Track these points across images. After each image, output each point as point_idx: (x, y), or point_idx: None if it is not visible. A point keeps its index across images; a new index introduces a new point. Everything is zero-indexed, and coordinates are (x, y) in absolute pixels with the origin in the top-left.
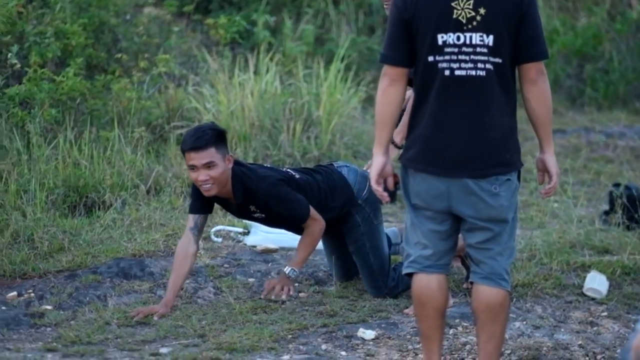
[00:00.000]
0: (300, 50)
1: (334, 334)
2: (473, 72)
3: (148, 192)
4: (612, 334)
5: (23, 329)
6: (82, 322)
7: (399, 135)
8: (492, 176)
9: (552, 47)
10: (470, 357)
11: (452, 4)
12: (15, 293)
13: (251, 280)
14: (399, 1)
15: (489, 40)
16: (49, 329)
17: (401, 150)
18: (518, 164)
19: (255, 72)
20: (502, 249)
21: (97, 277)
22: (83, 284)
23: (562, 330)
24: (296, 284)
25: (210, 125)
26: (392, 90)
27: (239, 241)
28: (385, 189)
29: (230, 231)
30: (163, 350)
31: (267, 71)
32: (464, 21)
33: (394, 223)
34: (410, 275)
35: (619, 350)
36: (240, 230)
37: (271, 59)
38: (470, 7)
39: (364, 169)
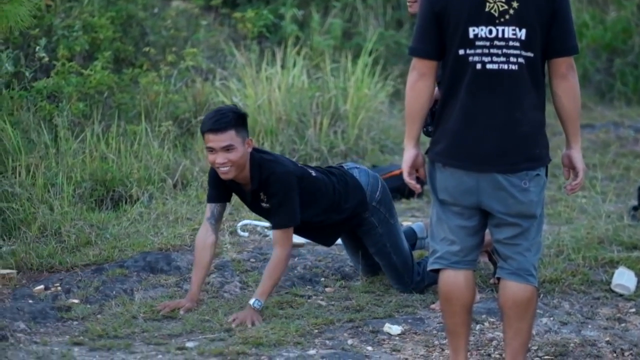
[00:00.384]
0: (327, 44)
1: (360, 329)
2: (505, 66)
3: (175, 186)
4: None
5: (50, 322)
6: (108, 316)
7: None
8: (522, 171)
9: (581, 41)
10: (496, 353)
11: None
12: (42, 286)
13: None
14: None
15: (522, 34)
16: (75, 322)
17: None
18: (547, 159)
19: (283, 66)
20: (530, 245)
21: (124, 271)
22: (110, 277)
23: (590, 326)
24: (323, 282)
25: (231, 108)
26: (421, 84)
27: (266, 235)
28: (418, 180)
29: (257, 226)
30: (189, 344)
31: (295, 65)
32: (496, 14)
33: (420, 218)
34: (436, 271)
35: None
36: (267, 224)
37: (298, 53)
38: (503, 0)
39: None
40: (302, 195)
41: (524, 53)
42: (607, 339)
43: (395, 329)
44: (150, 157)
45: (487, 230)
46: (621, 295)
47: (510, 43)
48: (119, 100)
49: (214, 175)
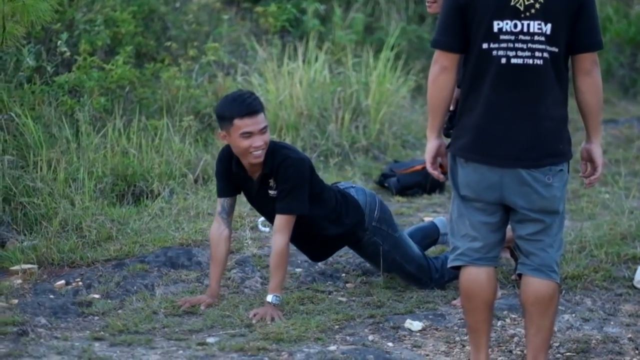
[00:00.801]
0: (349, 38)
1: (381, 325)
2: (530, 61)
3: (196, 181)
4: None
5: (71, 317)
6: (129, 311)
7: None
8: (546, 167)
9: (605, 35)
10: (518, 349)
11: None
12: (63, 282)
13: (298, 270)
14: None
15: (547, 28)
16: (96, 317)
17: None
18: (569, 155)
19: (305, 61)
20: (553, 241)
21: (145, 266)
22: (131, 273)
23: (612, 323)
24: (344, 277)
25: (249, 91)
26: (443, 77)
27: None
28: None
29: None
30: (210, 339)
31: (316, 60)
32: (522, 8)
33: (441, 213)
34: (457, 268)
35: None
36: None
37: (320, 48)
38: None
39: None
40: (310, 189)
41: (548, 48)
42: (630, 335)
43: (416, 325)
44: (171, 152)
45: (509, 227)
46: None
47: (536, 37)
48: (140, 95)
49: (222, 168)
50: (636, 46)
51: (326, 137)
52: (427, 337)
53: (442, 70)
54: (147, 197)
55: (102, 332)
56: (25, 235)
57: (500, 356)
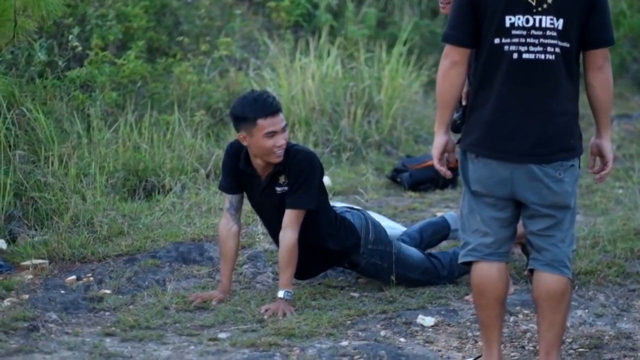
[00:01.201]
0: (362, 33)
1: (393, 321)
2: (542, 56)
3: (208, 176)
4: None
5: (82, 313)
6: (140, 307)
7: None
8: (557, 162)
9: (618, 30)
10: (530, 345)
11: None
12: (74, 277)
13: None
14: None
15: (559, 23)
16: (107, 313)
17: None
18: (580, 150)
19: (317, 56)
20: (564, 236)
21: (156, 261)
22: (142, 268)
23: (625, 319)
24: (356, 273)
25: (265, 91)
26: (454, 71)
27: None
28: (449, 165)
29: None
30: (222, 335)
31: (329, 55)
32: (534, 3)
33: (454, 208)
34: (468, 263)
35: None
36: None
37: (333, 43)
38: None
39: None
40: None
41: (560, 43)
42: None
43: (428, 321)
44: (183, 147)
45: (520, 222)
46: None
47: (548, 33)
48: (152, 90)
49: (230, 163)
50: None
51: (338, 132)
52: (440, 332)
53: (452, 65)
54: (158, 192)
55: (113, 328)
56: (36, 230)
57: (512, 352)
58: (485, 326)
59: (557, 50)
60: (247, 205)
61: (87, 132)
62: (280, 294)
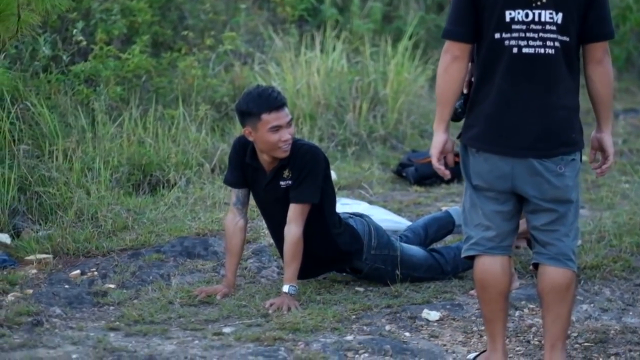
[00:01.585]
0: (367, 27)
1: (398, 315)
2: (542, 50)
3: (213, 170)
4: None
5: (86, 307)
6: (145, 301)
7: None
8: (558, 156)
9: (625, 24)
10: (536, 339)
11: None
12: (78, 271)
13: None
14: None
15: (558, 18)
16: (111, 307)
17: None
18: (581, 144)
19: (322, 50)
20: (568, 230)
21: (161, 256)
22: (146, 262)
23: (631, 313)
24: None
25: (270, 86)
26: (454, 67)
27: None
28: (446, 165)
29: None
30: (226, 329)
31: (334, 49)
32: None
33: (459, 203)
34: (471, 257)
35: None
36: None
37: (338, 37)
38: None
39: None
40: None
41: (560, 37)
42: None
43: (433, 315)
44: (187, 141)
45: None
46: None
47: (547, 27)
48: (156, 84)
49: (236, 156)
50: None
51: (344, 127)
52: (445, 327)
53: (453, 60)
54: (163, 187)
55: (117, 322)
56: (40, 224)
57: (518, 346)
58: (489, 320)
59: (557, 44)
60: (251, 200)
61: (92, 126)
62: (285, 288)
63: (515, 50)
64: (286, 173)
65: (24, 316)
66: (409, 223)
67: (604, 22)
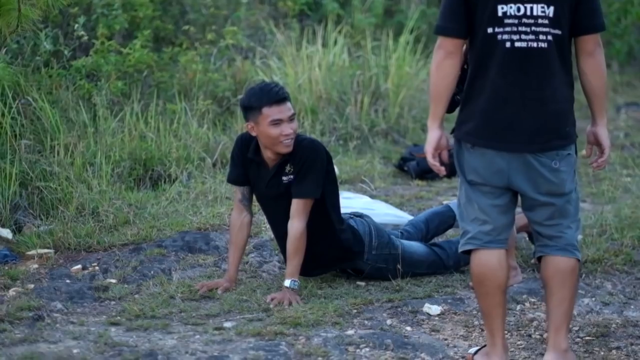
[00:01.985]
0: (369, 22)
1: (399, 309)
2: (535, 44)
3: (214, 165)
4: None
5: (87, 302)
6: (146, 296)
7: None
8: (553, 151)
9: (626, 18)
10: (537, 333)
11: None
12: (79, 266)
13: None
14: None
15: (550, 11)
16: (113, 302)
17: None
18: (575, 137)
19: (323, 45)
20: (571, 222)
21: (162, 250)
22: (148, 257)
23: (632, 307)
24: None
25: (273, 81)
26: (447, 63)
27: None
28: (441, 162)
29: None
30: (227, 324)
31: (335, 43)
32: None
33: None
34: (468, 252)
35: None
36: None
37: (339, 31)
38: None
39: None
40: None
41: (552, 30)
42: None
43: (434, 309)
44: (189, 136)
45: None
46: None
47: (539, 21)
48: (158, 79)
49: (239, 151)
50: None
51: (345, 121)
52: (446, 321)
53: (447, 55)
54: (164, 181)
55: (118, 317)
56: (41, 219)
57: (519, 340)
58: (488, 315)
59: (550, 37)
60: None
61: (93, 121)
62: (287, 283)
63: (508, 44)
64: (288, 167)
65: (25, 311)
66: (410, 217)
67: (594, 14)
